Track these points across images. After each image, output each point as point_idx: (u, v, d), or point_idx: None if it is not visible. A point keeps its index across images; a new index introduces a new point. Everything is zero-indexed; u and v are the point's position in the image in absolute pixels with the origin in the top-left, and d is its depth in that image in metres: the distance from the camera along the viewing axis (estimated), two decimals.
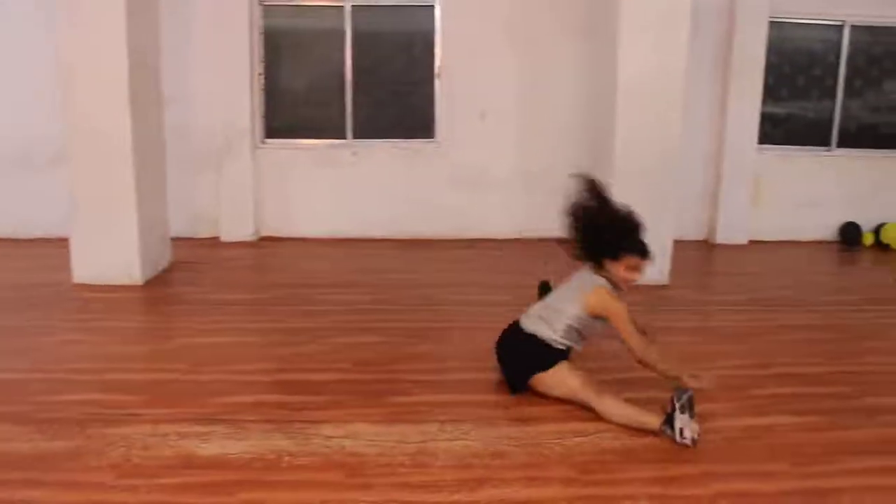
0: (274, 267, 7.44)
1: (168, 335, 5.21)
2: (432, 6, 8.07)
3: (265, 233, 8.28)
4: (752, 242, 8.59)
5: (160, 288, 6.34)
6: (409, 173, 8.32)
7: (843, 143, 8.93)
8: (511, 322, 4.28)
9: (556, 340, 4.03)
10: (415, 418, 3.81)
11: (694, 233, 8.63)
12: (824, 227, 9.02)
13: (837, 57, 8.73)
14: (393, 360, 4.68)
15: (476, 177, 8.35)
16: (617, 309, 3.94)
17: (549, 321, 4.08)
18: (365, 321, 5.47)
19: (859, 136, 8.97)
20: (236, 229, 8.11)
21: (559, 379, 3.97)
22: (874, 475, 3.39)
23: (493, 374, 4.44)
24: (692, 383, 3.79)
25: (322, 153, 8.27)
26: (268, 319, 5.51)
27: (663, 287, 6.53)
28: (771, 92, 8.66)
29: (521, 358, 4.12)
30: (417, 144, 8.34)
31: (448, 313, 5.79)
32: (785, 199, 8.83)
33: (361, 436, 3.59)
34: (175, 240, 7.22)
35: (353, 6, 8.03)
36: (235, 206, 8.10)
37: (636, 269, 4.02)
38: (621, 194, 6.25)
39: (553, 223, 8.29)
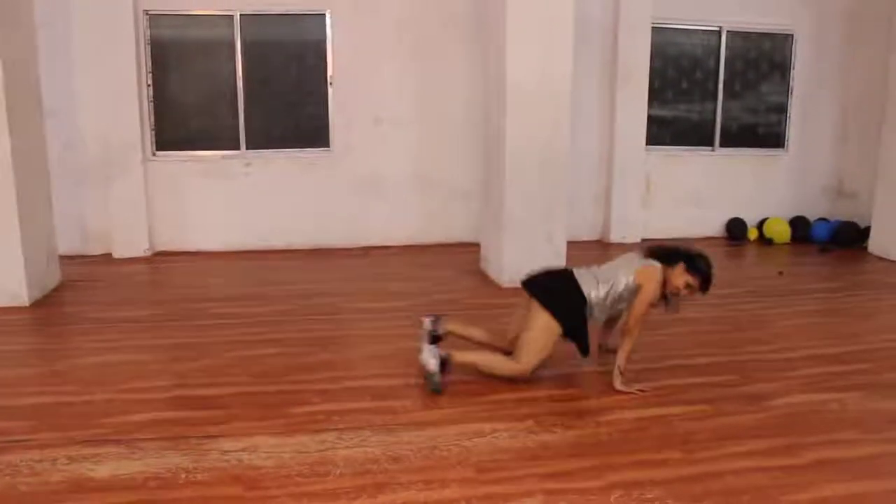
0: (169, 282, 7.26)
1: (57, 356, 5.02)
2: (323, 14, 8.04)
3: (159, 248, 8.09)
4: (644, 240, 8.87)
5: (49, 308, 6.11)
6: (305, 183, 8.26)
7: (725, 143, 9.35)
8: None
9: (590, 297, 4.33)
10: (314, 428, 3.79)
11: (588, 233, 8.88)
12: (711, 223, 9.42)
13: (717, 61, 9.13)
14: (291, 371, 4.64)
15: (372, 184, 8.36)
16: (652, 289, 4.30)
17: (597, 281, 4.38)
18: (262, 333, 5.41)
19: (740, 137, 9.41)
20: (129, 245, 7.88)
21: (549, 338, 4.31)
22: (756, 457, 3.57)
23: (391, 380, 4.49)
24: (618, 385, 4.35)
25: (215, 165, 8.12)
26: (163, 336, 5.39)
27: None
28: (656, 95, 8.98)
29: (556, 287, 4.42)
30: (312, 154, 8.28)
31: (346, 322, 5.79)
32: (673, 198, 9.19)
33: (260, 448, 3.55)
34: (65, 258, 7.01)
35: (242, 15, 7.92)
36: (127, 221, 7.87)
37: (688, 287, 4.37)
38: (515, 198, 6.50)
39: (448, 228, 8.49)
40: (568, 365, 4.79)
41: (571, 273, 4.47)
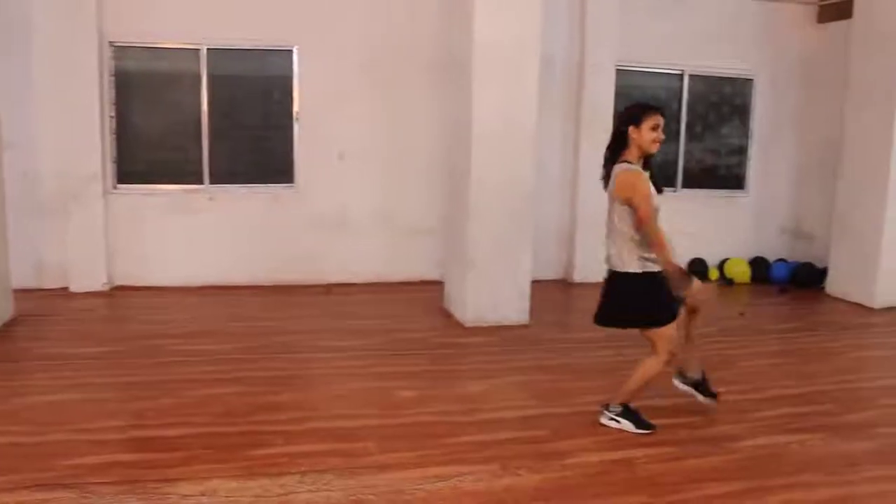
0: (128, 317, 7.11)
1: (7, 394, 4.84)
2: (290, 50, 8.03)
3: (119, 282, 7.92)
4: None
5: (0, 344, 5.94)
6: (269, 218, 8.18)
7: (687, 185, 9.46)
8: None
9: (630, 260, 4.23)
10: (275, 471, 3.71)
11: (553, 272, 8.87)
12: None
13: (679, 104, 9.28)
14: (253, 411, 4.56)
15: (335, 220, 8.30)
16: (640, 184, 4.13)
17: (615, 243, 4.28)
18: (224, 371, 5.31)
19: (702, 178, 9.54)
20: (87, 279, 7.72)
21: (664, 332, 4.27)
22: (721, 500, 3.59)
23: (354, 420, 4.43)
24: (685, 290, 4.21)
25: (178, 198, 8.02)
26: (120, 373, 5.26)
27: (524, 326, 6.67)
28: None
29: (611, 303, 4.39)
30: (276, 189, 8.22)
31: (309, 360, 5.71)
32: None
33: (219, 492, 3.47)
34: (18, 291, 6.82)
35: (208, 49, 7.88)
36: (86, 255, 7.72)
37: (657, 126, 4.19)
38: (479, 237, 6.50)
39: (412, 266, 8.42)
40: (533, 407, 4.79)
41: (609, 272, 4.41)
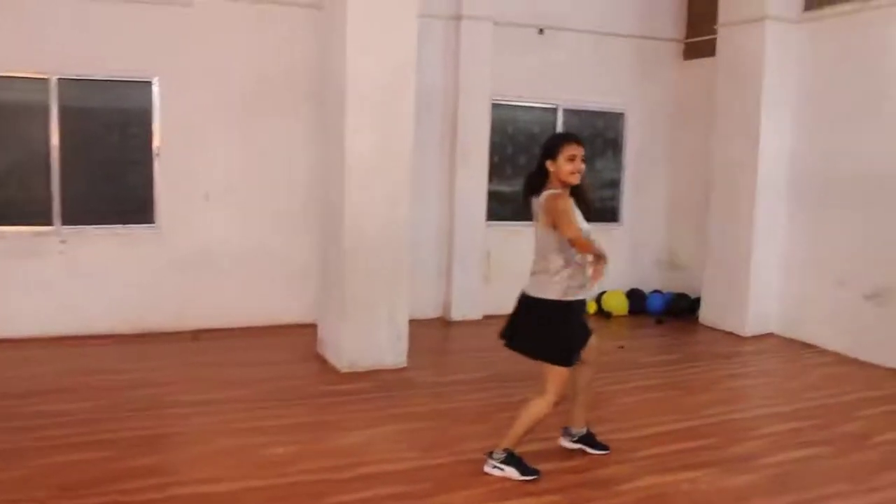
0: None
1: None
2: (150, 82, 7.57)
3: None
4: (486, 317, 8.71)
5: None
6: (128, 261, 7.60)
7: None
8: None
9: (555, 283, 4.18)
10: None
11: (430, 311, 8.65)
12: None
13: None
14: (110, 479, 4.13)
15: (202, 263, 7.79)
16: (561, 204, 4.08)
17: (543, 268, 4.25)
18: (78, 434, 4.81)
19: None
20: None
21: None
22: None
23: (220, 484, 4.07)
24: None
25: (24, 241, 7.34)
26: None
27: (402, 370, 6.41)
28: (496, 170, 9.01)
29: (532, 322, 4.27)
30: (135, 229, 7.66)
31: (174, 417, 5.26)
32: (514, 274, 9.06)
33: None
34: None
35: (59, 79, 7.29)
36: None
37: (575, 157, 4.13)
38: (354, 276, 6.25)
39: (284, 309, 8.03)
40: (416, 458, 4.55)
41: (523, 295, 4.37)
